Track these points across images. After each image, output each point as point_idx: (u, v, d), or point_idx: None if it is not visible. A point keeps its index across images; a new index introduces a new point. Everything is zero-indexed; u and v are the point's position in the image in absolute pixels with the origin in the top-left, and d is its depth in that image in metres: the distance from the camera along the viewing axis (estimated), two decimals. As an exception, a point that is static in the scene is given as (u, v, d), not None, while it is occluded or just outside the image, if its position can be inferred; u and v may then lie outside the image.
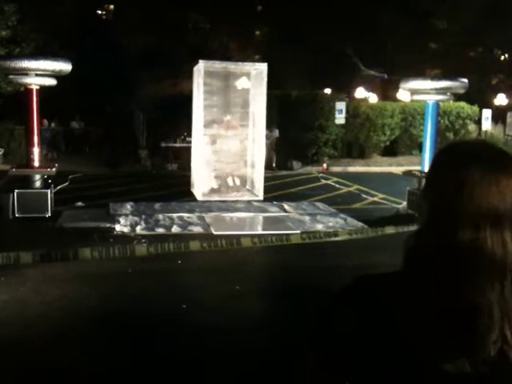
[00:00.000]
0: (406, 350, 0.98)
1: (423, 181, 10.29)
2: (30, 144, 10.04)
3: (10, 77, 10.22)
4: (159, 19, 21.19)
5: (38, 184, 9.92)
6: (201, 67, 11.83)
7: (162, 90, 20.04)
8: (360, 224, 9.48)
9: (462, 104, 20.62)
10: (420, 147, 14.74)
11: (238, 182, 12.80)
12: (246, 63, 13.62)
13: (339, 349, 1.04)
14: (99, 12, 27.09)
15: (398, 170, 16.56)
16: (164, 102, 17.92)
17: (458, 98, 15.60)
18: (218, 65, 12.53)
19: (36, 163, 9.98)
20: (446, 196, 1.00)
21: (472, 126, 21.13)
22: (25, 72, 9.63)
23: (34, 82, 9.84)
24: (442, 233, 1.00)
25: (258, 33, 27.59)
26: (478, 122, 20.92)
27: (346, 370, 1.04)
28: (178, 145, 16.91)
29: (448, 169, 1.03)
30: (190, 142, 13.95)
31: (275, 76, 13.25)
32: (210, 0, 22.27)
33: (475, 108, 21.00)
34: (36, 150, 9.98)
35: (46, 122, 19.02)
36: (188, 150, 14.05)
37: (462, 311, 0.96)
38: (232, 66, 12.86)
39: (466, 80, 10.71)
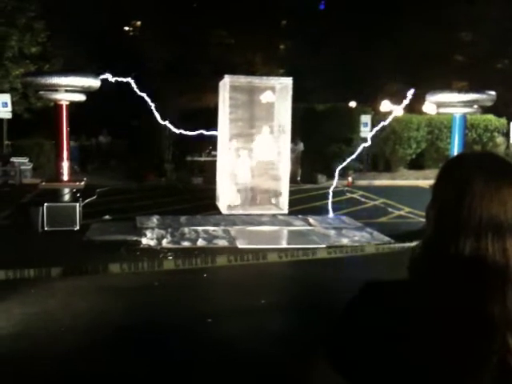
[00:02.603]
0: (415, 352, 0.98)
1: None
2: (59, 158, 10.23)
3: (40, 93, 10.44)
4: (184, 35, 21.50)
5: (66, 198, 10.09)
6: (226, 82, 11.95)
7: (188, 104, 20.25)
8: (386, 238, 9.39)
9: (490, 117, 20.36)
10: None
11: (263, 195, 12.81)
12: (270, 77, 13.72)
13: (352, 350, 1.05)
14: (126, 28, 27.58)
15: (424, 183, 16.39)
16: (189, 116, 18.10)
17: (485, 110, 15.40)
18: (243, 79, 12.64)
19: (65, 177, 10.16)
20: (450, 206, 1.03)
21: (500, 139, 20.84)
22: (55, 88, 9.85)
23: (64, 98, 10.04)
24: (445, 243, 1.02)
25: (282, 47, 27.74)
26: (507, 135, 20.62)
27: (358, 370, 1.04)
28: (203, 159, 17.03)
29: (452, 179, 1.06)
30: (215, 156, 14.05)
31: (300, 89, 13.30)
32: (234, 15, 22.52)
33: (503, 120, 20.71)
34: (65, 164, 10.17)
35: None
36: (213, 164, 14.15)
37: (465, 320, 0.96)
38: (257, 81, 12.95)
39: (493, 92, 10.59)
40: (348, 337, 1.06)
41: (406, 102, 11.74)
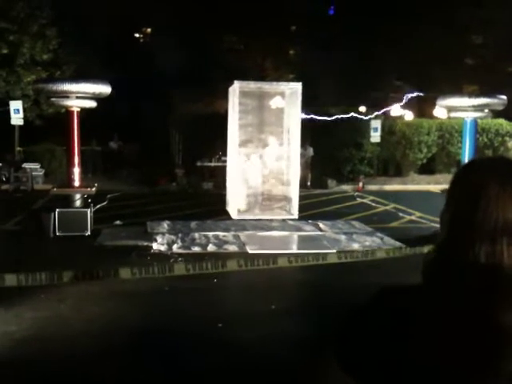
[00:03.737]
0: (425, 356, 0.97)
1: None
2: (70, 164, 10.31)
3: (52, 99, 10.53)
4: (195, 41, 21.61)
5: (78, 203, 10.15)
6: (236, 87, 11.98)
7: (198, 109, 20.31)
8: (397, 243, 9.34)
9: (501, 121, 20.23)
10: (458, 165, 14.49)
11: (272, 200, 12.81)
12: (280, 83, 13.74)
13: (360, 351, 1.04)
14: (136, 35, 27.76)
15: (435, 188, 16.28)
16: (199, 122, 18.16)
17: (496, 114, 15.32)
18: (252, 85, 12.67)
19: (76, 183, 10.23)
20: (464, 211, 1.02)
21: (511, 143, 20.69)
22: (66, 95, 9.92)
23: (75, 105, 10.11)
24: (460, 247, 1.01)
25: (291, 52, 27.79)
26: (518, 139, 20.46)
27: (367, 372, 1.03)
28: (213, 164, 17.07)
29: (466, 184, 1.05)
30: (225, 161, 14.07)
31: (310, 94, 13.31)
32: (244, 21, 22.61)
33: (515, 125, 20.57)
34: (76, 170, 10.23)
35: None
36: (223, 169, 14.17)
37: (476, 326, 0.95)
38: (267, 86, 12.98)
39: (504, 96, 10.54)
40: (357, 338, 1.06)
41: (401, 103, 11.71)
